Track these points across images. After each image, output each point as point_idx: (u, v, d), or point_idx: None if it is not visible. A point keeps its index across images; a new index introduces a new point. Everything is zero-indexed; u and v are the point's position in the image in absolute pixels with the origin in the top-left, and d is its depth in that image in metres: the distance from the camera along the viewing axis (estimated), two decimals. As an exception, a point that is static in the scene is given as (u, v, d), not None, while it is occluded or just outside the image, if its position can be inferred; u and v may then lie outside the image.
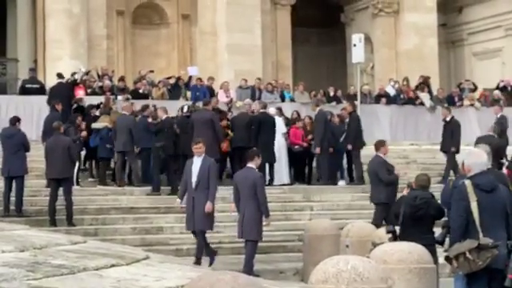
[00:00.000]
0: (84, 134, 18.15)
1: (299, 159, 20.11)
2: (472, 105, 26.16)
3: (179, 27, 30.65)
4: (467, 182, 7.46)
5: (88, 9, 27.49)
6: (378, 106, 25.37)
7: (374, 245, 9.69)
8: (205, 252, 13.07)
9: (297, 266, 13.52)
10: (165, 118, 17.95)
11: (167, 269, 7.01)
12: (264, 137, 18.40)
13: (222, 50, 28.56)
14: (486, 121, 22.26)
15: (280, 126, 19.41)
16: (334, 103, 24.51)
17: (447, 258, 7.51)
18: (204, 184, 12.82)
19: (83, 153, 18.62)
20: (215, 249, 13.56)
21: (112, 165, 18.63)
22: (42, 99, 20.91)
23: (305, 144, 19.86)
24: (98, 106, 19.90)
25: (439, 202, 10.43)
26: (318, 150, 19.08)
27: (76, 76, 22.26)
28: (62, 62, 25.72)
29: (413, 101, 25.83)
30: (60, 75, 21.71)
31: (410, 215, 9.98)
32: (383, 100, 25.46)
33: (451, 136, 19.99)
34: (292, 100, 24.70)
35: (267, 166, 18.24)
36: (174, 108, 19.83)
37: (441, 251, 8.89)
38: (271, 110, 19.58)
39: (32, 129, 20.19)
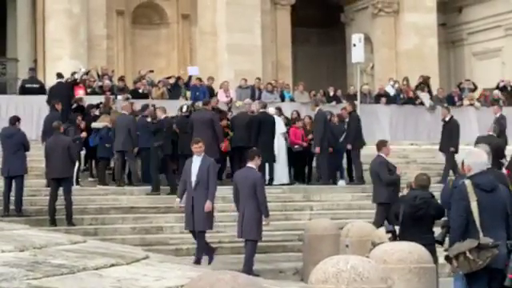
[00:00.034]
0: (84, 134, 18.16)
1: (299, 159, 20.11)
2: (472, 104, 26.18)
3: (179, 27, 30.65)
4: (467, 182, 7.46)
5: (88, 9, 27.49)
6: (378, 106, 25.38)
7: (374, 244, 9.68)
8: (197, 248, 13.05)
9: (296, 265, 13.52)
10: (163, 117, 17.95)
11: (167, 268, 7.01)
12: (264, 137, 18.40)
13: (221, 49, 28.56)
14: (485, 120, 22.29)
15: (279, 126, 19.41)
16: (333, 103, 24.52)
17: (447, 258, 7.51)
18: (203, 184, 12.81)
19: (83, 152, 18.61)
20: (215, 247, 13.56)
21: (112, 164, 18.63)
22: (42, 99, 20.91)
23: (305, 144, 19.86)
24: (97, 106, 19.91)
25: (439, 201, 10.43)
26: (317, 150, 19.09)
27: (76, 76, 22.26)
28: (61, 61, 25.72)
29: (413, 101, 25.84)
30: (60, 75, 21.71)
31: (409, 215, 9.97)
32: (383, 100, 25.47)
33: (450, 136, 20.00)
34: (292, 100, 24.71)
35: (267, 165, 18.24)
36: (173, 108, 19.84)
37: (441, 251, 8.88)
38: (271, 110, 19.58)
39: (32, 128, 20.20)
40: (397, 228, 10.13)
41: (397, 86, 26.57)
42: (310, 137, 19.75)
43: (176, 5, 30.55)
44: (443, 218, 9.37)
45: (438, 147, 20.87)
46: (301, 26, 32.52)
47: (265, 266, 13.46)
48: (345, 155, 19.97)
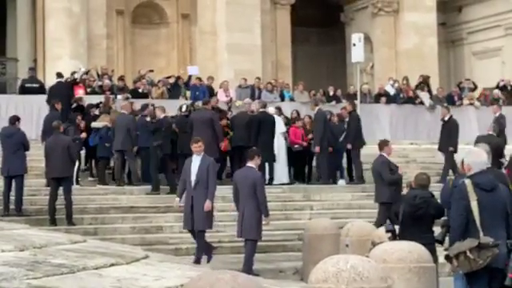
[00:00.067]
0: (84, 135, 18.17)
1: (299, 158, 20.11)
2: (472, 104, 26.19)
3: (179, 27, 30.65)
4: (467, 182, 7.46)
5: (88, 8, 27.49)
6: (378, 106, 25.38)
7: (374, 244, 9.68)
8: (197, 248, 13.05)
9: (296, 265, 13.51)
10: (163, 117, 17.96)
11: (167, 268, 7.01)
12: (264, 136, 18.40)
13: (221, 49, 28.56)
14: (485, 120, 22.30)
15: (279, 126, 19.41)
16: (333, 103, 24.54)
17: (447, 257, 7.51)
18: (203, 183, 12.80)
19: (83, 152, 18.61)
20: (215, 246, 13.56)
21: (112, 164, 18.63)
22: (42, 98, 20.91)
23: (305, 143, 19.86)
24: (97, 106, 19.90)
25: (438, 201, 10.43)
26: (317, 150, 19.09)
27: (76, 75, 22.25)
28: (61, 61, 25.71)
29: (412, 100, 25.85)
30: (59, 74, 21.71)
31: (409, 214, 9.97)
32: (383, 99, 25.48)
33: (449, 136, 19.99)
34: (292, 99, 24.71)
35: (267, 165, 18.24)
36: (173, 107, 19.84)
37: (440, 250, 8.88)
38: (270, 110, 19.58)
39: (32, 128, 20.19)
40: (396, 227, 10.12)
41: (397, 85, 26.57)
42: (310, 136, 19.75)
43: (176, 4, 30.56)
44: (443, 218, 9.38)
45: (437, 147, 20.88)
46: (301, 25, 32.53)
47: (265, 265, 13.46)
48: (345, 155, 19.96)
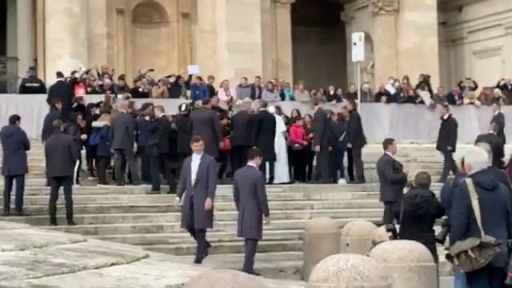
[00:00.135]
0: (84, 136, 18.17)
1: (299, 158, 20.11)
2: (472, 103, 26.20)
3: (179, 26, 30.65)
4: (468, 181, 7.46)
5: (88, 8, 27.49)
6: (378, 105, 25.38)
7: (375, 243, 9.68)
8: (197, 247, 13.04)
9: (297, 264, 13.51)
10: (161, 116, 17.96)
11: (167, 267, 7.01)
12: (264, 135, 18.39)
13: (221, 48, 28.55)
14: (485, 119, 22.30)
15: (280, 125, 19.41)
16: (334, 102, 24.55)
17: (448, 256, 7.51)
18: (203, 182, 12.79)
19: (83, 152, 18.60)
20: (215, 245, 13.56)
21: (112, 163, 18.63)
22: (42, 98, 20.91)
23: (305, 142, 19.86)
24: (98, 105, 19.90)
25: (439, 200, 10.42)
26: (317, 149, 19.09)
27: (76, 75, 22.26)
28: (62, 60, 25.70)
29: (413, 99, 25.87)
30: (60, 74, 21.70)
31: (410, 213, 9.96)
32: (383, 98, 25.48)
33: (448, 134, 19.97)
34: (292, 99, 24.71)
35: (267, 164, 18.23)
36: (174, 107, 19.83)
37: (441, 249, 8.88)
38: (270, 109, 19.58)
39: (32, 127, 20.19)
40: (397, 227, 10.12)
41: (397, 84, 26.58)
42: (311, 136, 19.75)
43: (176, 3, 30.55)
44: (443, 217, 9.38)
45: (435, 145, 20.86)
46: (301, 24, 32.51)
47: (265, 264, 13.45)
48: (346, 154, 19.96)
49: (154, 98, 22.00)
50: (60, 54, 26.20)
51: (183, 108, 19.06)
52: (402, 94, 26.03)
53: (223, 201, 15.53)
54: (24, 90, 22.63)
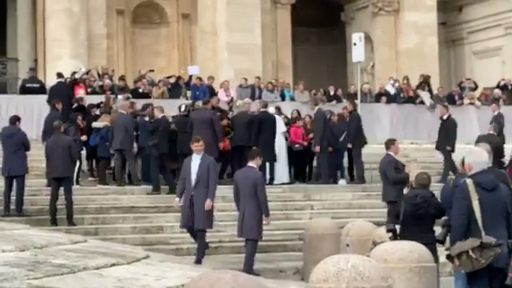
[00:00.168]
0: (84, 138, 18.17)
1: (300, 158, 20.11)
2: (472, 103, 26.20)
3: (179, 26, 30.66)
4: (469, 181, 7.46)
5: (88, 8, 27.50)
6: (379, 105, 25.39)
7: (375, 244, 9.68)
8: (197, 247, 13.04)
9: (297, 264, 13.51)
10: (161, 116, 17.96)
11: (167, 268, 7.01)
12: (264, 136, 18.40)
13: (222, 49, 28.56)
14: (486, 119, 22.30)
15: (280, 125, 19.41)
16: (334, 102, 24.55)
17: (449, 257, 7.51)
18: (204, 182, 12.79)
19: (84, 152, 18.60)
20: (213, 246, 13.56)
21: (112, 164, 18.63)
22: (42, 98, 20.90)
23: (305, 143, 19.86)
24: (98, 106, 19.91)
25: (439, 200, 10.42)
26: (317, 149, 19.08)
27: (76, 75, 22.26)
28: (62, 61, 25.71)
29: (413, 100, 25.87)
30: (60, 74, 21.71)
31: (410, 214, 9.96)
32: (383, 99, 25.49)
33: (447, 135, 19.97)
34: (292, 99, 24.72)
35: (267, 165, 18.23)
36: (174, 107, 19.83)
37: (441, 250, 8.88)
38: (270, 110, 19.58)
39: (32, 128, 20.19)
40: (397, 227, 10.12)
41: (397, 85, 26.59)
42: (311, 136, 19.75)
43: (176, 4, 30.56)
44: (444, 217, 9.38)
45: (435, 145, 20.85)
46: (301, 25, 32.53)
47: (265, 265, 13.45)
48: (346, 154, 19.95)
49: (154, 99, 22.01)
50: (60, 55, 26.21)
51: (183, 108, 19.06)
52: (402, 95, 26.03)
53: (223, 201, 15.53)
54: (24, 90, 22.64)
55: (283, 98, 24.42)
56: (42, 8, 27.57)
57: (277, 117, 19.44)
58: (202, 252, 12.88)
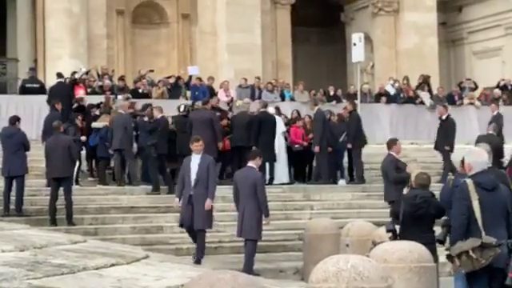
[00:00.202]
0: (83, 138, 18.17)
1: (299, 158, 20.10)
2: (472, 104, 26.20)
3: (179, 27, 30.65)
4: (469, 181, 7.46)
5: (88, 8, 27.50)
6: (378, 105, 25.39)
7: (374, 244, 9.68)
8: (196, 248, 13.04)
9: (297, 265, 13.51)
10: (160, 117, 17.97)
11: (167, 268, 7.01)
12: (264, 136, 18.39)
13: (221, 49, 28.56)
14: (485, 120, 22.31)
15: (280, 125, 19.41)
16: (334, 102, 24.55)
17: (449, 257, 7.50)
18: (203, 182, 12.78)
19: (83, 152, 18.61)
20: (212, 246, 13.56)
21: (112, 164, 18.63)
22: (42, 99, 20.90)
23: (305, 143, 19.86)
24: (98, 106, 19.91)
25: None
26: (317, 149, 19.08)
27: (76, 75, 22.26)
28: (61, 61, 25.71)
29: (413, 100, 25.87)
30: (60, 75, 21.71)
31: (410, 214, 9.96)
32: (383, 99, 25.49)
33: (446, 135, 19.97)
34: (292, 99, 24.72)
35: (267, 165, 18.23)
36: (173, 107, 19.83)
37: (441, 250, 8.88)
38: (270, 110, 19.57)
39: (32, 128, 20.19)
40: (397, 227, 10.11)
41: (397, 85, 26.58)
42: (311, 136, 19.75)
43: (176, 4, 30.56)
44: (443, 217, 9.38)
45: (433, 145, 20.85)
46: (301, 25, 32.52)
47: (265, 265, 13.45)
48: (346, 154, 19.95)
49: (154, 99, 22.00)
50: (60, 55, 26.21)
51: (182, 109, 19.07)
52: (401, 95, 26.03)
53: (223, 201, 15.53)
54: (24, 90, 22.64)
55: (283, 98, 24.42)
56: (42, 8, 27.56)
57: (276, 117, 19.44)
58: (201, 252, 12.88)
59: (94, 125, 18.73)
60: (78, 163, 17.10)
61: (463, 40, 34.70)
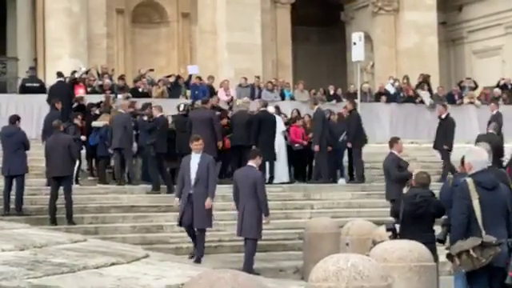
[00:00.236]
0: (83, 137, 18.17)
1: (299, 157, 20.11)
2: (472, 103, 26.20)
3: (179, 26, 30.65)
4: (469, 180, 7.47)
5: (88, 8, 27.49)
6: (378, 105, 25.38)
7: (374, 243, 9.68)
8: (195, 247, 13.03)
9: (297, 264, 13.51)
10: (159, 116, 17.97)
11: (167, 267, 7.02)
12: (264, 135, 18.39)
13: (221, 48, 28.56)
14: (485, 119, 22.30)
15: (279, 125, 19.41)
16: (333, 101, 24.55)
17: (449, 256, 7.51)
18: (203, 181, 12.78)
19: (83, 152, 18.61)
20: (212, 245, 13.56)
21: (112, 163, 18.63)
22: (42, 98, 20.90)
23: (305, 142, 19.86)
24: (98, 105, 19.91)
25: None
26: (316, 148, 19.08)
27: (76, 75, 22.26)
28: (61, 60, 25.70)
29: (413, 99, 25.87)
30: (60, 74, 21.71)
31: (409, 213, 9.96)
32: (383, 98, 25.49)
33: (445, 134, 19.97)
34: (292, 98, 24.72)
35: (267, 164, 18.23)
36: (173, 107, 19.83)
37: (441, 249, 8.88)
38: (270, 109, 19.57)
39: (32, 127, 20.19)
40: (397, 226, 10.12)
41: (397, 84, 26.59)
42: (311, 135, 19.75)
43: (176, 3, 30.55)
44: (443, 217, 9.38)
45: (432, 144, 20.85)
46: (301, 24, 32.52)
47: (265, 264, 13.46)
48: (346, 153, 19.95)
49: (154, 98, 21.99)
50: (60, 54, 26.20)
51: (181, 108, 19.07)
52: (401, 94, 26.03)
53: (223, 200, 15.53)
54: (24, 90, 22.63)
55: (283, 98, 24.42)
56: (42, 7, 27.56)
57: (276, 116, 19.43)
58: (201, 251, 12.88)
59: (94, 124, 18.73)
60: (77, 162, 17.10)
61: (463, 39, 34.69)
